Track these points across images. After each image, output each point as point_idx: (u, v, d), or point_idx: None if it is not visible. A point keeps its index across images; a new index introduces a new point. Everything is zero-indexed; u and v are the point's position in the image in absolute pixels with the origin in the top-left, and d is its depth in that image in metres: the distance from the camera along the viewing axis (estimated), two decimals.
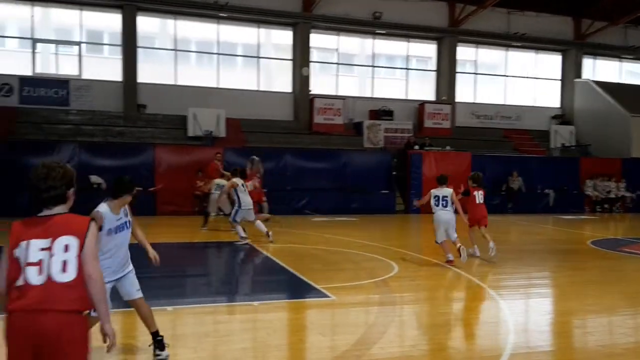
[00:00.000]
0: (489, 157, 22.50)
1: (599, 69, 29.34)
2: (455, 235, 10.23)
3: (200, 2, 21.76)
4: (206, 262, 11.27)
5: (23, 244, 2.86)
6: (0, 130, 18.14)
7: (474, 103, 26.87)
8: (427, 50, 26.52)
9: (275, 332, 6.16)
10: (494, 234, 16.16)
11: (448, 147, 22.26)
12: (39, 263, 2.83)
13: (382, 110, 24.09)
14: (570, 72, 28.04)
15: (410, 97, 25.81)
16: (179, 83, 22.46)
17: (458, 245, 9.97)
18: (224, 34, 23.30)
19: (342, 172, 19.94)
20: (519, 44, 26.96)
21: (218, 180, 14.49)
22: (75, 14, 21.27)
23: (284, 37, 24.11)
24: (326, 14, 23.31)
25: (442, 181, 10.37)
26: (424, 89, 26.40)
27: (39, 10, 21.08)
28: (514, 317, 6.78)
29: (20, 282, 2.81)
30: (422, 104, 25.18)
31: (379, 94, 25.31)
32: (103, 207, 4.77)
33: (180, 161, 18.33)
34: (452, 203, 10.34)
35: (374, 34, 25.08)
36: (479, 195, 11.36)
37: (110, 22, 21.65)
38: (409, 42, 25.82)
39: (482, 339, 6.08)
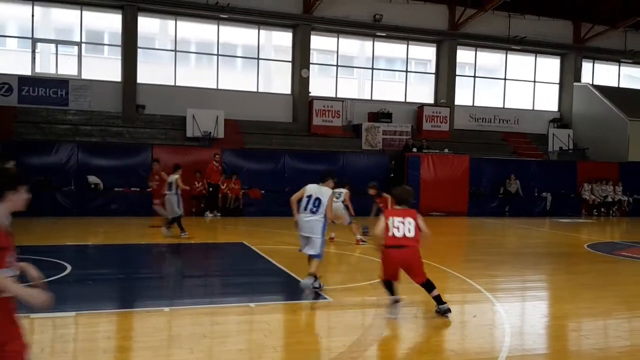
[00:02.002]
0: (487, 160, 22.55)
1: (598, 73, 29.40)
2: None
3: (201, 3, 21.78)
4: (203, 263, 11.28)
5: None
6: (0, 129, 18.13)
7: (472, 106, 26.91)
8: (427, 53, 26.56)
9: (272, 333, 6.17)
10: (492, 237, 16.29)
11: (446, 150, 22.29)
12: None
13: (381, 113, 24.12)
14: (569, 76, 28.10)
15: (409, 100, 25.85)
16: (179, 84, 22.47)
17: None
18: (224, 35, 23.32)
19: (341, 174, 19.92)
20: (518, 48, 27.02)
21: (170, 177, 13.38)
22: (76, 13, 21.28)
23: (284, 39, 24.14)
24: (326, 16, 23.35)
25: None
26: (423, 91, 26.44)
27: (39, 9, 21.08)
28: (510, 320, 6.80)
29: None
30: (421, 106, 25.21)
31: (378, 96, 25.35)
32: None
33: (179, 162, 18.21)
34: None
35: (373, 36, 25.12)
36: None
37: (111, 22, 21.67)
38: (408, 44, 25.86)
39: (478, 341, 6.09)
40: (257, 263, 10.60)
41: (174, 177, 13.13)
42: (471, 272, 9.73)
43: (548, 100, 28.56)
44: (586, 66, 28.91)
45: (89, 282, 8.51)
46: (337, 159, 20.70)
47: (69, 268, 9.21)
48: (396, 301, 6.95)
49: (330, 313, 7.08)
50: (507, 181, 21.91)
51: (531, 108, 28.04)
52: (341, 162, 20.54)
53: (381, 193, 12.94)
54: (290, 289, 8.52)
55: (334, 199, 11.58)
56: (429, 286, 6.79)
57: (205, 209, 18.15)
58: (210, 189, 18.05)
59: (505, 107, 27.53)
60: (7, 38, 21.72)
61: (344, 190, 12.83)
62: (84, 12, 21.34)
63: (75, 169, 17.50)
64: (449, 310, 6.73)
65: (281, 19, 23.28)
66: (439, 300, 6.76)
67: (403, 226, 6.58)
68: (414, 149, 21.89)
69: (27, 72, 20.76)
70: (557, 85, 28.66)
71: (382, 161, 21.48)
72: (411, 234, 6.59)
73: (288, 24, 23.67)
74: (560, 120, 28.08)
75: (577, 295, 8.42)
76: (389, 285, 6.93)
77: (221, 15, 22.47)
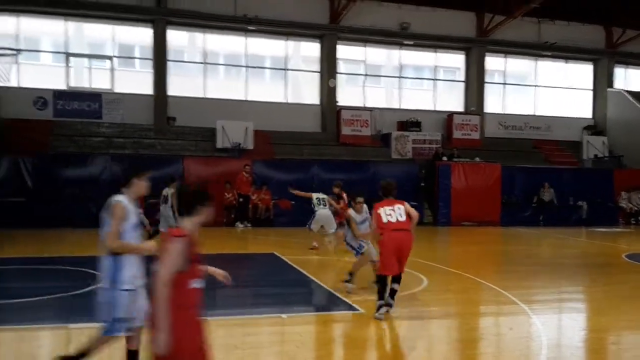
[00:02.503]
0: (519, 168, 22.19)
1: (632, 78, 28.77)
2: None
3: (229, 15, 22.02)
4: (234, 274, 11.29)
5: None
6: (36, 143, 18.55)
7: (503, 114, 26.56)
8: (455, 61, 26.35)
9: (304, 345, 6.14)
10: (527, 248, 15.99)
11: (477, 159, 22.03)
12: None
13: (410, 122, 23.98)
14: (602, 82, 27.55)
15: (438, 108, 25.65)
16: (208, 96, 22.72)
17: None
18: (252, 46, 23.53)
19: (370, 184, 19.84)
20: (549, 54, 26.62)
21: (164, 190, 12.69)
22: (108, 28, 21.74)
23: (311, 49, 24.24)
24: (353, 26, 23.38)
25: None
26: (452, 99, 26.21)
27: (72, 25, 21.59)
28: (547, 333, 6.64)
29: None
30: (450, 114, 24.99)
31: (407, 105, 25.22)
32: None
33: (209, 173, 18.49)
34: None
35: (401, 45, 25.04)
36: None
37: (142, 36, 22.06)
38: (436, 52, 25.71)
39: (514, 354, 5.95)
40: (288, 274, 10.58)
41: (170, 190, 12.57)
42: (506, 283, 9.53)
43: (581, 107, 28.03)
44: (619, 71, 28.32)
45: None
46: (367, 168, 20.61)
47: None
48: (387, 305, 6.95)
49: (362, 325, 7.01)
50: (540, 190, 21.51)
51: (563, 115, 27.53)
52: (371, 172, 20.43)
53: (342, 195, 12.77)
54: (321, 300, 8.48)
55: (322, 206, 12.31)
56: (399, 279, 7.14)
57: (236, 220, 18.25)
58: (241, 199, 18.16)
59: (537, 114, 27.11)
60: (42, 53, 22.28)
61: (326, 197, 13.03)
62: (115, 27, 21.78)
63: (108, 181, 17.77)
64: (383, 307, 6.88)
65: (308, 30, 23.39)
66: (393, 294, 7.02)
67: (394, 213, 7.08)
68: (445, 158, 21.68)
69: (62, 86, 21.24)
70: (590, 92, 28.12)
71: (412, 170, 21.32)
72: (403, 218, 7.07)
73: (315, 35, 23.77)
74: (594, 127, 27.51)
75: (616, 307, 8.18)
76: (383, 282, 7.03)
77: (249, 27, 22.69)
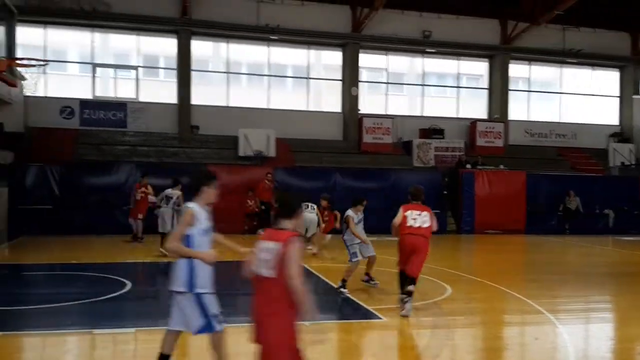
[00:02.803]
0: (544, 176, 21.91)
1: None
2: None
3: (252, 25, 22.21)
4: None
5: None
6: (63, 151, 18.88)
7: (527, 121, 26.28)
8: (479, 68, 26.18)
9: (326, 353, 6.12)
10: (552, 256, 15.74)
11: (501, 166, 21.81)
12: None
13: (432, 129, 23.86)
14: (629, 89, 27.10)
15: (461, 116, 25.48)
16: (231, 104, 22.90)
17: None
18: (275, 55, 23.68)
19: (392, 192, 19.78)
20: (574, 61, 26.29)
21: (167, 191, 13.19)
22: (133, 39, 22.08)
23: (333, 58, 24.30)
24: (375, 34, 23.38)
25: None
26: (475, 107, 26.02)
27: (98, 36, 21.98)
28: (573, 343, 6.53)
29: None
30: (473, 122, 24.80)
31: (429, 112, 25.10)
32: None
33: (231, 181, 18.58)
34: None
35: (423, 53, 24.97)
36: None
37: (166, 46, 22.35)
38: (459, 60, 25.58)
39: None
40: (309, 281, 10.56)
41: (175, 192, 12.87)
42: (531, 292, 9.39)
43: (607, 114, 27.59)
44: None
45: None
46: (388, 176, 20.54)
47: (129, 285, 9.43)
48: (405, 298, 7.56)
49: (384, 333, 6.97)
50: (566, 198, 21.20)
51: (589, 122, 27.14)
52: (392, 180, 20.36)
53: (332, 207, 13.82)
54: (343, 308, 8.45)
55: (309, 211, 12.84)
56: (414, 281, 7.66)
57: (258, 227, 18.30)
58: (263, 207, 18.23)
59: (562, 121, 26.76)
60: (69, 63, 22.71)
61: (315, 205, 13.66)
62: (140, 37, 22.11)
63: (132, 189, 18.00)
64: (408, 297, 7.48)
65: (330, 39, 23.46)
66: (409, 294, 7.53)
67: (419, 218, 7.81)
68: (468, 165, 21.50)
69: (88, 95, 21.61)
70: (617, 99, 27.69)
71: (434, 178, 21.16)
72: (426, 225, 7.79)
73: (337, 43, 23.83)
74: (621, 134, 27.06)
75: None
76: (403, 277, 7.80)
77: (271, 37, 22.84)
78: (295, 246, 3.75)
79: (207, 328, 4.67)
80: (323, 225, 13.61)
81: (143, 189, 15.40)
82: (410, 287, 7.54)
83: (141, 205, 15.32)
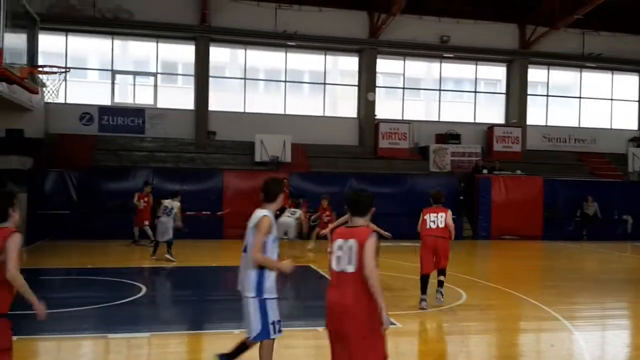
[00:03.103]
0: (561, 181, 21.67)
1: None
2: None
3: (270, 32, 22.32)
4: None
5: None
6: (82, 157, 19.14)
7: (545, 126, 26.05)
8: (496, 73, 26.02)
9: None
10: (570, 262, 15.56)
11: (518, 172, 21.61)
12: None
13: (449, 134, 23.75)
14: None
15: (478, 121, 25.32)
16: (248, 110, 23.02)
17: None
18: (292, 61, 23.77)
19: (408, 197, 19.71)
20: (593, 65, 26.02)
21: (167, 202, 13.68)
22: (152, 46, 22.33)
23: (350, 63, 24.33)
24: (392, 40, 23.36)
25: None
26: (492, 112, 25.85)
27: (118, 43, 22.27)
28: (590, 350, 6.45)
29: None
30: (491, 127, 24.64)
31: (446, 117, 24.99)
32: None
33: (247, 186, 18.66)
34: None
35: (441, 58, 24.89)
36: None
37: (184, 53, 22.57)
38: (477, 65, 25.45)
39: None
40: (323, 286, 10.54)
41: (175, 203, 13.48)
42: (548, 298, 9.29)
43: (627, 119, 27.24)
44: None
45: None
46: (404, 181, 20.48)
47: (144, 290, 9.52)
48: (438, 288, 8.59)
49: (400, 339, 6.94)
50: (584, 203, 20.95)
51: (609, 127, 26.82)
52: (408, 185, 20.30)
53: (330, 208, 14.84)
54: None
55: (288, 215, 13.36)
56: (444, 272, 8.69)
57: None
58: (278, 212, 18.24)
59: (581, 126, 26.46)
60: (89, 71, 23.02)
61: (299, 211, 14.53)
62: (159, 44, 22.35)
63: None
64: (423, 301, 8.32)
65: (347, 44, 23.51)
66: (441, 284, 8.64)
67: (437, 220, 8.54)
68: (485, 171, 21.35)
69: (107, 102, 21.88)
70: (636, 103, 27.34)
71: (450, 183, 21.04)
72: (441, 226, 8.52)
73: (354, 49, 23.87)
74: None
75: None
76: (424, 280, 8.47)
77: (289, 43, 22.95)
78: (372, 242, 4.01)
79: (263, 334, 4.82)
80: (318, 229, 14.44)
81: (146, 198, 15.85)
82: (441, 277, 8.63)
83: (144, 213, 15.80)
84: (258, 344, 4.86)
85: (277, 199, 4.99)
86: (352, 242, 4.05)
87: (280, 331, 4.88)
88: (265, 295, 4.80)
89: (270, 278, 4.84)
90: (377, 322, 4.02)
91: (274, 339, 4.87)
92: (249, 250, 4.85)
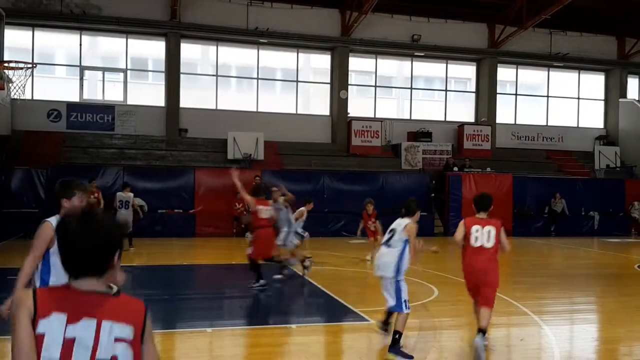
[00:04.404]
0: (530, 178, 22.08)
1: None
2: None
3: (242, 28, 22.21)
4: (244, 284, 11.32)
5: None
6: (50, 155, 18.78)
7: (514, 124, 26.49)
8: (466, 72, 26.36)
9: (313, 355, 6.13)
10: (538, 258, 15.85)
11: (488, 169, 21.95)
12: None
13: (420, 132, 23.97)
14: (615, 92, 27.41)
15: (449, 119, 25.63)
16: (220, 107, 22.88)
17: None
18: (264, 59, 23.70)
19: (381, 194, 19.85)
20: (560, 64, 26.55)
21: (121, 195, 14.26)
22: (121, 42, 22.00)
23: (322, 61, 24.36)
24: (364, 38, 23.47)
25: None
26: (463, 110, 26.19)
27: (86, 39, 21.88)
28: (558, 344, 6.59)
29: None
30: (461, 125, 24.96)
31: (418, 115, 25.22)
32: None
33: (220, 184, 18.59)
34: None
35: (412, 56, 25.10)
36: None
37: (155, 49, 22.30)
38: (447, 63, 25.73)
39: None
40: (297, 284, 10.59)
41: (129, 194, 14.12)
42: (517, 294, 9.47)
43: (593, 117, 27.88)
44: (632, 82, 28.16)
45: None
46: (377, 179, 20.62)
47: (114, 289, 9.37)
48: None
49: (371, 335, 6.99)
50: (552, 200, 21.37)
51: (576, 125, 27.42)
52: (381, 182, 20.45)
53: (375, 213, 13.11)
54: (330, 311, 8.47)
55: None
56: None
57: (246, 230, 18.27)
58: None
59: (549, 124, 26.99)
60: (57, 66, 22.58)
61: (302, 208, 12.21)
62: (129, 40, 22.04)
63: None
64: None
65: (319, 42, 23.52)
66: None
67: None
68: (455, 168, 21.62)
69: (75, 98, 21.50)
70: (602, 102, 27.99)
71: (422, 181, 21.29)
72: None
73: (326, 47, 23.90)
74: (607, 137, 27.34)
75: (629, 318, 8.09)
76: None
77: (261, 40, 22.86)
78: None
79: (397, 308, 6.11)
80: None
81: (97, 194, 15.45)
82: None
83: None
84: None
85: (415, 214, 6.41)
86: (491, 227, 6.19)
87: (409, 307, 6.15)
88: (400, 277, 6.11)
89: (406, 264, 6.18)
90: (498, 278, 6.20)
91: (407, 313, 6.03)
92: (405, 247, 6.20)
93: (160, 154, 21.10)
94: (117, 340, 1.93)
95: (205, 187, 18.76)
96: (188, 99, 22.26)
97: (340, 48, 23.50)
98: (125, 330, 1.96)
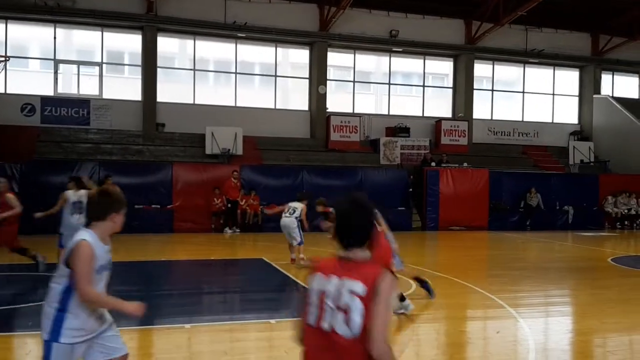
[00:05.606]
0: (506, 173, 22.35)
1: (618, 85, 29.10)
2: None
3: (219, 22, 22.06)
4: (223, 279, 11.29)
5: None
6: (23, 149, 18.46)
7: (491, 120, 26.78)
8: (444, 68, 26.55)
9: (293, 350, 6.13)
10: (514, 252, 16.09)
11: (465, 164, 22.16)
12: None
13: (398, 127, 24.10)
14: (589, 88, 27.86)
15: (426, 114, 25.80)
16: (198, 102, 22.71)
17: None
18: (242, 53, 23.58)
19: (359, 189, 19.91)
20: (536, 61, 26.89)
21: (71, 194, 11.09)
22: (97, 35, 21.69)
23: (301, 56, 24.33)
24: (343, 33, 23.49)
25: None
26: (440, 106, 26.39)
27: (61, 31, 21.53)
28: (534, 336, 6.70)
29: None
30: (438, 120, 25.15)
31: (396, 111, 25.34)
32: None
33: (198, 179, 18.47)
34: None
35: (390, 52, 25.19)
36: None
37: (131, 42, 22.03)
38: (425, 59, 25.88)
39: (501, 357, 6.00)
40: (276, 279, 10.58)
41: (80, 192, 11.62)
42: (493, 287, 9.60)
43: (568, 113, 28.32)
44: (606, 78, 28.64)
45: None
46: (355, 174, 20.68)
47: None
48: None
49: None
50: (527, 195, 21.66)
51: (551, 121, 27.82)
52: (359, 177, 20.51)
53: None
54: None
55: (287, 215, 11.77)
56: None
57: (224, 225, 18.23)
58: (229, 205, 18.14)
59: (525, 120, 27.34)
60: (30, 60, 22.18)
61: (300, 205, 12.00)
62: (104, 33, 21.73)
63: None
64: None
65: (298, 37, 23.48)
66: None
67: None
68: (433, 164, 21.79)
69: (50, 92, 21.16)
70: (577, 98, 28.42)
71: (400, 176, 21.41)
72: None
73: (305, 42, 23.86)
74: (581, 132, 27.81)
75: (602, 310, 8.26)
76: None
77: (239, 34, 22.73)
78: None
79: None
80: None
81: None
82: None
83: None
84: None
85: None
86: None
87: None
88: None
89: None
90: None
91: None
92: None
93: (137, 148, 20.88)
94: (351, 293, 2.49)
95: (183, 182, 18.62)
96: (165, 93, 22.06)
97: (318, 43, 23.49)
98: (359, 287, 2.48)
